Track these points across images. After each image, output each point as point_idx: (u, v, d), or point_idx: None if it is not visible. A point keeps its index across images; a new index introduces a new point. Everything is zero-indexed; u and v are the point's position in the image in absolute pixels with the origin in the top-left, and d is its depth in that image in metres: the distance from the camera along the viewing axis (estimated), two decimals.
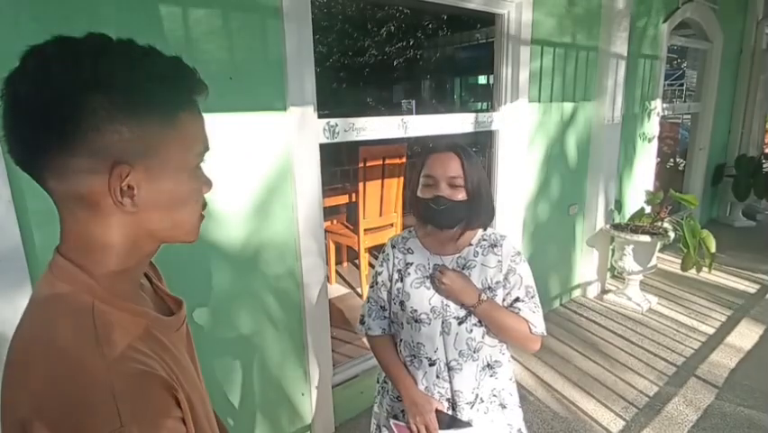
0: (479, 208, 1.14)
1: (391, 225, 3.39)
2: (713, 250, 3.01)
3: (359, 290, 3.43)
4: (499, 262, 1.17)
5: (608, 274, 3.71)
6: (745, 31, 4.97)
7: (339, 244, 3.57)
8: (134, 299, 0.57)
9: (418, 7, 7.01)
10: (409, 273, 1.19)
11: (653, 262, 3.22)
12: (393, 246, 1.25)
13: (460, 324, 1.15)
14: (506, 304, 1.17)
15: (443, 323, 1.16)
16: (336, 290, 3.48)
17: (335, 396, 2.10)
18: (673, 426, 2.11)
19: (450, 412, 1.18)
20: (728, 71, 4.88)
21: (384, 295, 1.24)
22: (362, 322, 1.30)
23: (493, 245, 1.19)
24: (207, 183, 0.59)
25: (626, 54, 3.16)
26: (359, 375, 2.23)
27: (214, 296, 1.67)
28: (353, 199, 3.55)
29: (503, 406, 1.22)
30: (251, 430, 1.87)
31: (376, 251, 4.02)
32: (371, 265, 3.89)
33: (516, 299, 1.17)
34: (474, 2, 2.31)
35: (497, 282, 1.16)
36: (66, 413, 0.43)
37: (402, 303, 1.19)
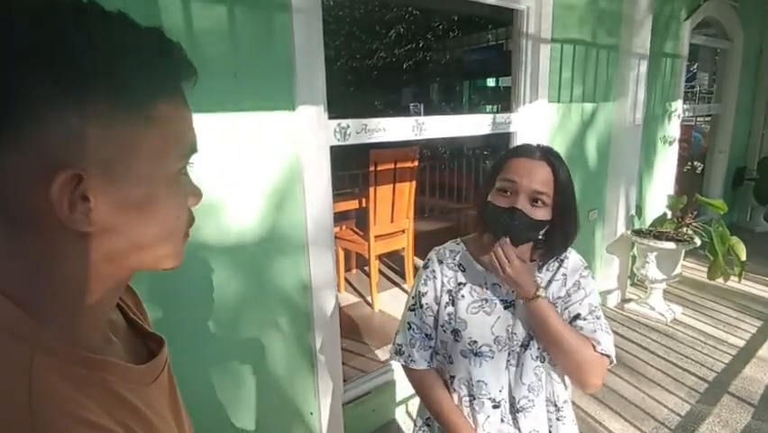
0: (559, 234, 0.97)
1: (403, 231, 3.26)
2: (743, 258, 2.85)
3: (368, 298, 3.30)
4: (564, 275, 1.01)
5: (628, 282, 3.56)
6: (765, 30, 4.81)
7: (348, 250, 3.45)
8: (96, 344, 0.43)
9: (434, 6, 6.88)
10: (463, 296, 1.01)
11: (678, 269, 3.07)
12: (440, 261, 1.05)
13: (525, 350, 0.98)
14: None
15: (509, 354, 0.98)
16: (345, 298, 3.36)
17: (346, 414, 1.97)
18: None
19: None
20: (749, 71, 4.72)
21: (430, 321, 1.04)
22: (400, 352, 1.07)
23: (560, 261, 1.03)
24: (194, 193, 0.46)
25: (647, 53, 3.03)
26: (371, 391, 2.10)
27: (216, 305, 1.56)
28: (363, 205, 3.42)
29: None
30: None
31: (386, 258, 3.90)
32: (382, 273, 3.76)
33: (577, 316, 0.97)
34: None
35: (558, 297, 1.00)
36: None
37: (456, 332, 1.01)
